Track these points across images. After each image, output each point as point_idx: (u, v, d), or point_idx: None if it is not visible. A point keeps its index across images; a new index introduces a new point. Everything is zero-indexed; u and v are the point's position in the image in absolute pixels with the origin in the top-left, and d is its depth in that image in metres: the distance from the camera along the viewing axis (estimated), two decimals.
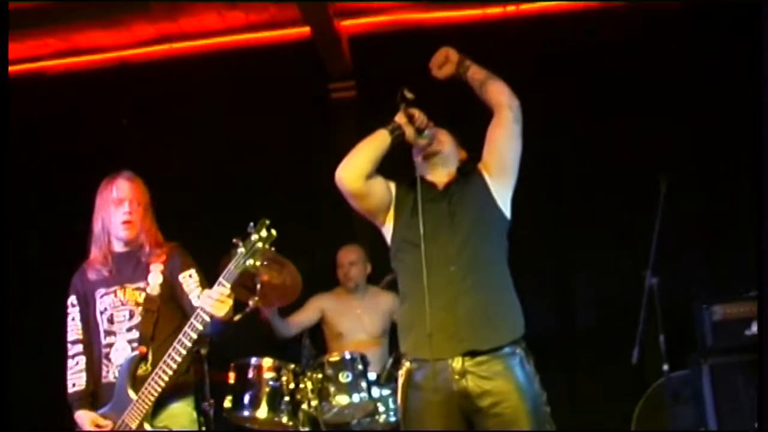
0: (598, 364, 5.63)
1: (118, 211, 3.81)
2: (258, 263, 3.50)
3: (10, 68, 4.90)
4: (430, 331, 3.23)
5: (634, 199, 5.53)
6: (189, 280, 3.81)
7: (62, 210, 5.76)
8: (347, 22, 6.18)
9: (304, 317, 5.43)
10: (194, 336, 3.56)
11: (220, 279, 3.54)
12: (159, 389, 3.60)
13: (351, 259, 5.47)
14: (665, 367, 4.68)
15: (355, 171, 3.41)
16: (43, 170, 6.21)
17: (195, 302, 3.71)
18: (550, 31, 5.98)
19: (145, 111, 6.31)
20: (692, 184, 5.64)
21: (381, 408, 4.80)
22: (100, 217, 3.87)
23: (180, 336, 3.58)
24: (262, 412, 4.64)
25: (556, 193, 5.94)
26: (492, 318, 3.32)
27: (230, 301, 3.54)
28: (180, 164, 6.12)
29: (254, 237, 3.49)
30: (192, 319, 3.57)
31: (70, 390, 3.82)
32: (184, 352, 3.58)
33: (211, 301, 3.52)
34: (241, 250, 3.51)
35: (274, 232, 3.50)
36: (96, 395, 3.79)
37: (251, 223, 3.51)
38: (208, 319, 3.54)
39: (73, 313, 3.91)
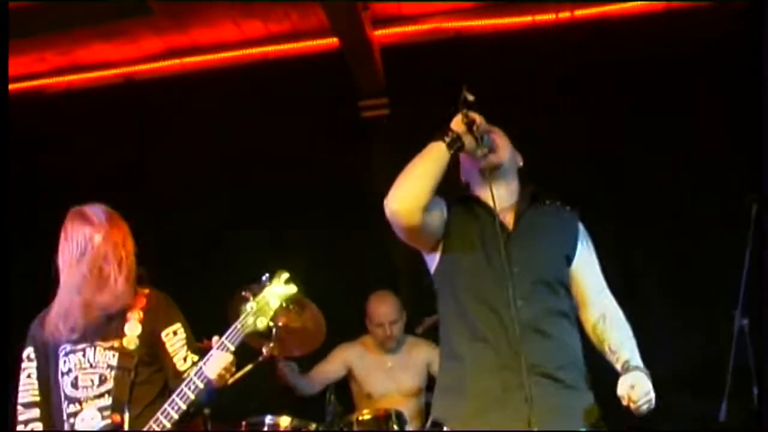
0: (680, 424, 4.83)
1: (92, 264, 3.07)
2: (271, 324, 3.01)
3: None
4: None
5: (721, 225, 4.84)
6: (174, 338, 3.16)
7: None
8: (380, 32, 5.56)
9: (329, 370, 4.77)
10: (183, 406, 2.99)
11: (223, 340, 2.96)
12: None
13: (391, 318, 4.71)
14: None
15: (413, 202, 2.73)
16: (42, 195, 5.52)
17: (180, 365, 3.10)
18: (608, 39, 5.33)
19: (154, 132, 5.82)
20: None
21: None
22: (68, 261, 3.13)
23: (165, 405, 2.99)
24: None
25: (624, 221, 5.16)
26: (570, 399, 2.75)
27: (233, 369, 3.02)
28: (192, 190, 5.61)
29: (268, 292, 2.97)
30: (182, 386, 2.96)
31: None
32: (168, 425, 3.00)
33: (212, 369, 2.94)
34: (251, 305, 2.98)
35: (294, 287, 3.05)
36: None
37: (266, 274, 3.04)
38: (202, 386, 2.95)
39: (30, 369, 3.22)
